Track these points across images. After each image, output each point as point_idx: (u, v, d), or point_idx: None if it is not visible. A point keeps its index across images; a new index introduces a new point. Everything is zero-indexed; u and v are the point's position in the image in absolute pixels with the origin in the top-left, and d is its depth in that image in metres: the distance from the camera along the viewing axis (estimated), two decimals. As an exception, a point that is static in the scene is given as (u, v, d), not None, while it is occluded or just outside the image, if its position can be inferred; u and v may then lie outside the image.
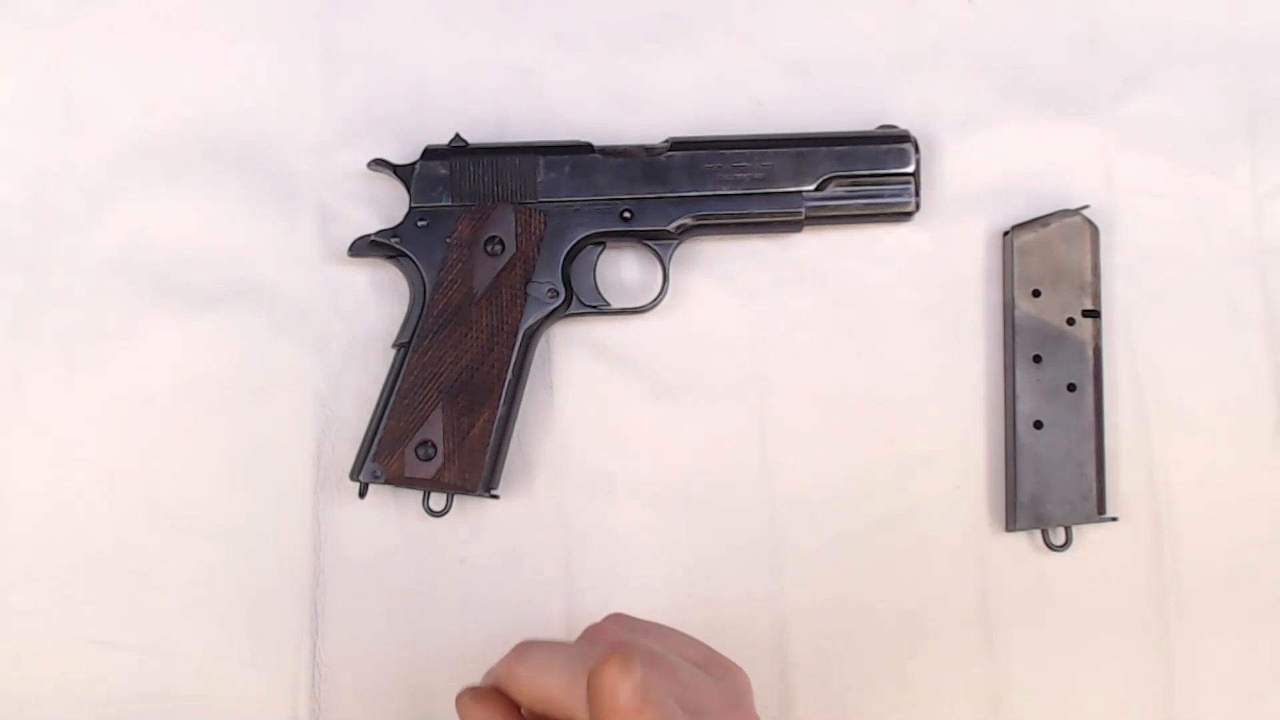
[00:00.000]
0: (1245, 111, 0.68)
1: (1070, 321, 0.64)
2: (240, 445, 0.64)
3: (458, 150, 0.63)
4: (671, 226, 0.63)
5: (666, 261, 0.64)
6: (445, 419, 0.61)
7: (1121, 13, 0.68)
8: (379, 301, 0.65)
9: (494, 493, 0.62)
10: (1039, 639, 0.63)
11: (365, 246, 0.63)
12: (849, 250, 0.66)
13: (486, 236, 0.62)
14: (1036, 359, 0.64)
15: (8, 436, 0.63)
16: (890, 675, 0.63)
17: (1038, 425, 0.63)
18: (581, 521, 0.64)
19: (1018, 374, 0.64)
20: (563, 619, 0.63)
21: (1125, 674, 0.63)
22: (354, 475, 0.61)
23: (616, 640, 0.48)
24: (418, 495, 0.62)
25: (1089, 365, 0.63)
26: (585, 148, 0.64)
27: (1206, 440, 0.65)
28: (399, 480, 0.61)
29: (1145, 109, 0.67)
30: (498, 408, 0.61)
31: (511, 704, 0.45)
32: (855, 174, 0.64)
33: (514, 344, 0.61)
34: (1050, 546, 0.63)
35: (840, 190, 0.64)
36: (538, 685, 0.44)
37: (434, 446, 0.61)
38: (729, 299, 0.66)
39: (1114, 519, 0.63)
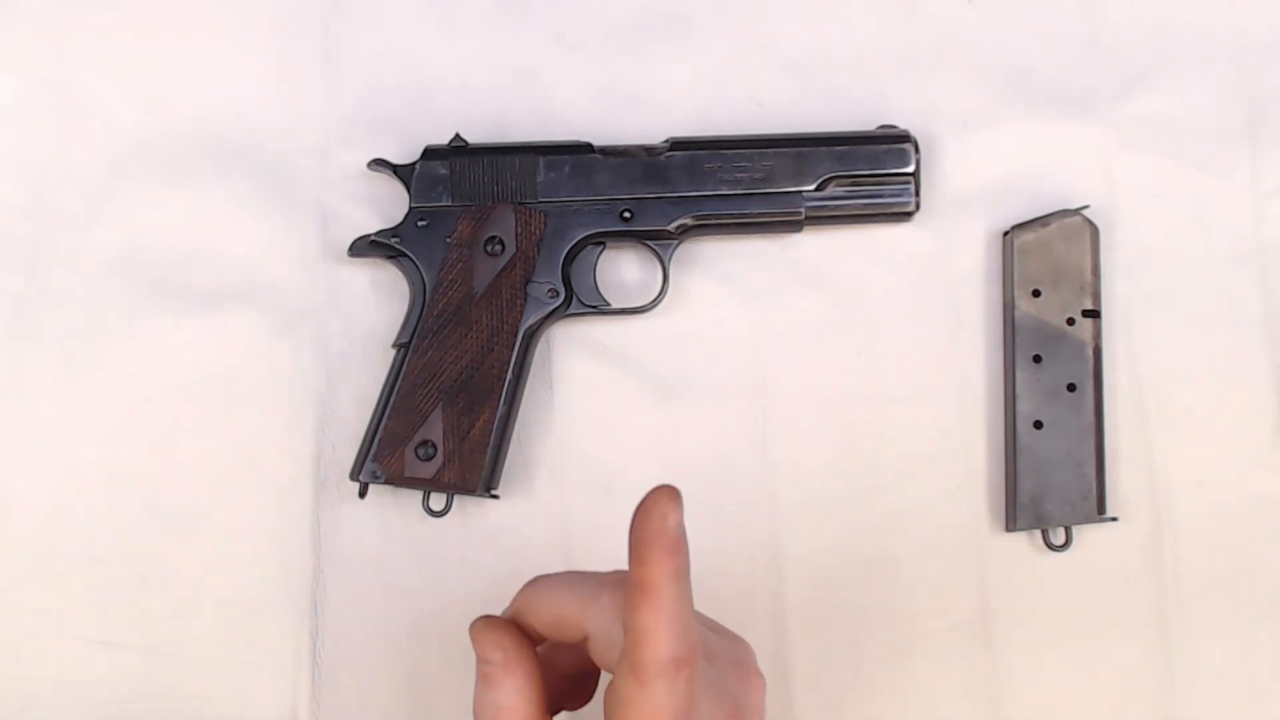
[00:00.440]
0: (1245, 111, 0.68)
1: (1070, 321, 0.64)
2: (240, 445, 0.64)
3: (458, 150, 0.63)
4: (671, 226, 0.63)
5: (666, 261, 0.64)
6: (445, 419, 0.61)
7: (1121, 13, 0.68)
8: (379, 301, 0.65)
9: (494, 493, 0.62)
10: (1039, 639, 0.63)
11: (365, 246, 0.63)
12: (849, 250, 0.66)
13: (486, 236, 0.62)
14: (1036, 359, 0.64)
15: (8, 436, 0.63)
16: (890, 675, 0.63)
17: (1038, 425, 0.63)
18: (581, 521, 0.64)
19: (1018, 374, 0.64)
20: (563, 619, 0.63)
21: (1125, 674, 0.63)
22: (354, 475, 0.61)
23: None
24: (418, 495, 0.62)
25: (1089, 365, 0.64)
26: (585, 148, 0.64)
27: (1206, 440, 0.65)
28: (399, 480, 0.61)
29: (1145, 109, 0.67)
30: (498, 408, 0.61)
31: (523, 633, 0.46)
32: (855, 174, 0.64)
33: (514, 344, 0.61)
34: (1050, 546, 0.64)
35: (840, 190, 0.64)
36: (554, 603, 0.45)
37: (434, 446, 0.61)
38: (729, 299, 0.66)
39: (1114, 519, 0.63)
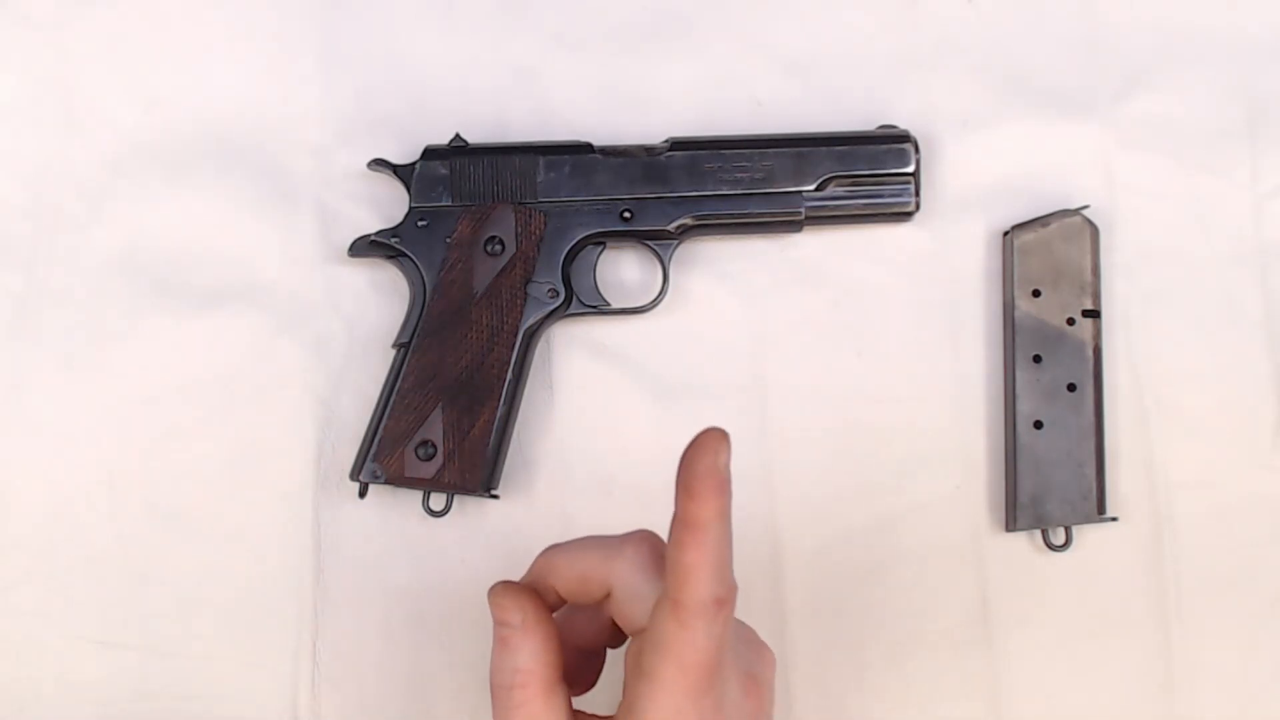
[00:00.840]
0: (1245, 111, 0.68)
1: (1070, 321, 0.64)
2: (240, 445, 0.64)
3: (458, 150, 0.63)
4: (671, 226, 0.63)
5: (666, 261, 0.64)
6: (445, 419, 0.61)
7: (1121, 13, 0.68)
8: (379, 301, 0.65)
9: (494, 493, 0.62)
10: (1039, 639, 0.63)
11: (365, 246, 0.63)
12: (849, 250, 0.66)
13: (486, 236, 0.62)
14: (1036, 359, 0.64)
15: (8, 436, 0.63)
16: (890, 675, 0.63)
17: (1038, 425, 0.63)
18: (581, 521, 0.64)
19: (1018, 374, 0.64)
20: (563, 619, 0.63)
21: (1125, 674, 0.63)
22: (354, 475, 0.61)
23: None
24: (418, 495, 0.62)
25: (1089, 365, 0.63)
26: (585, 148, 0.64)
27: (1206, 440, 0.65)
28: (399, 480, 0.61)
29: (1145, 109, 0.67)
30: (498, 408, 0.61)
31: (541, 599, 0.47)
32: (855, 174, 0.64)
33: (514, 344, 0.61)
34: (1050, 546, 0.64)
35: (840, 190, 0.64)
36: (575, 560, 0.46)
37: (434, 446, 0.61)
38: (729, 299, 0.66)
39: (1114, 519, 0.63)
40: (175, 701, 0.62)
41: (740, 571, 0.63)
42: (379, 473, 0.61)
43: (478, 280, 0.62)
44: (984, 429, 0.65)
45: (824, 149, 0.64)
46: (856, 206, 0.64)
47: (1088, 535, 0.64)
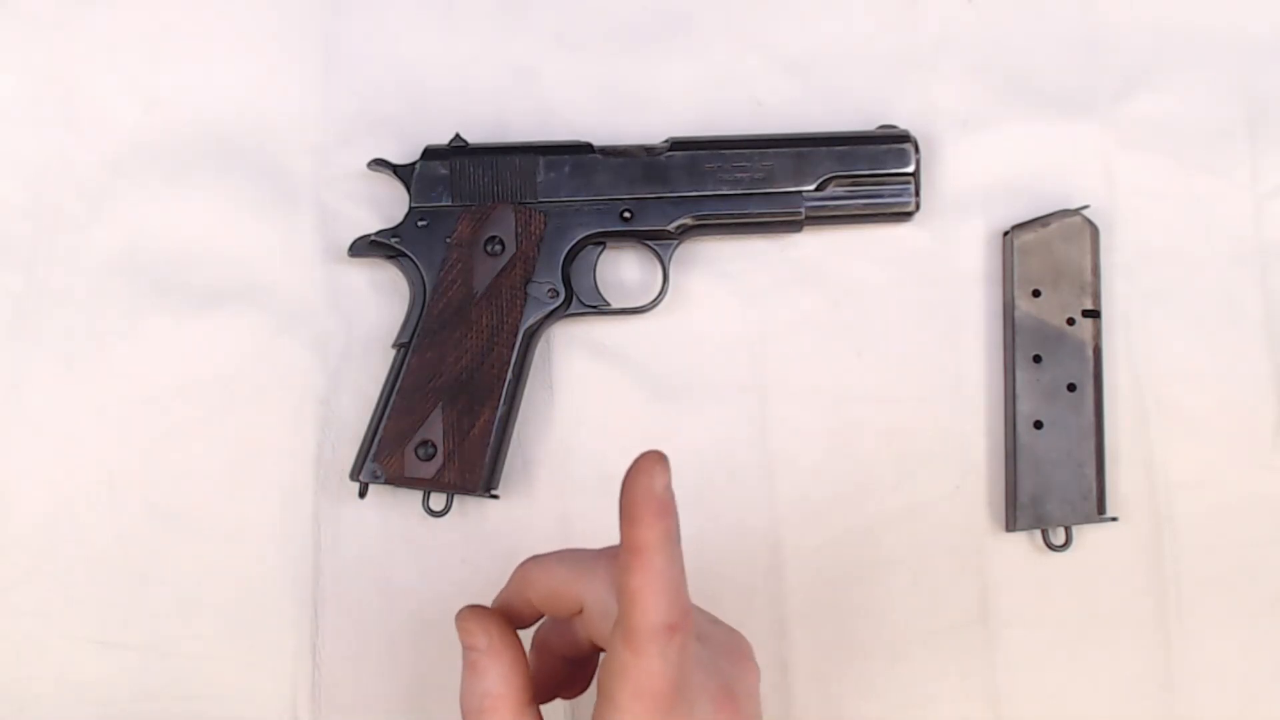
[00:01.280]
0: (1245, 111, 0.68)
1: (1070, 321, 0.64)
2: (240, 445, 0.64)
3: (458, 150, 0.63)
4: (671, 226, 0.63)
5: (666, 261, 0.64)
6: (445, 419, 0.61)
7: (1121, 13, 0.68)
8: (379, 301, 0.65)
9: (494, 493, 0.62)
10: (1039, 639, 0.63)
11: (365, 246, 0.63)
12: (849, 250, 0.66)
13: (486, 236, 0.62)
14: (1036, 359, 0.64)
15: (8, 436, 0.63)
16: (890, 675, 0.63)
17: (1038, 425, 0.63)
18: (581, 521, 0.64)
19: (1018, 374, 0.64)
20: (563, 619, 0.63)
21: (1125, 674, 0.63)
22: (354, 475, 0.61)
23: None
24: (418, 495, 0.62)
25: (1089, 365, 0.64)
26: (585, 148, 0.64)
27: (1206, 440, 0.65)
28: (399, 480, 0.61)
29: (1145, 109, 0.67)
30: (498, 408, 0.61)
31: (508, 622, 0.47)
32: (855, 174, 0.64)
33: (514, 344, 0.61)
34: (1050, 546, 0.64)
35: (840, 190, 0.64)
36: (549, 574, 0.46)
37: (434, 446, 0.61)
38: (729, 299, 0.66)
39: (1114, 519, 0.63)
40: (175, 701, 0.62)
41: (740, 571, 0.64)
42: (379, 473, 0.61)
43: (478, 280, 0.62)
44: (984, 429, 0.65)
45: (824, 149, 0.64)
46: (856, 206, 0.64)
47: (1088, 535, 0.64)
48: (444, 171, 0.63)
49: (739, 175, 0.63)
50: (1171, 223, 0.67)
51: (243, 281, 0.65)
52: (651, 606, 0.41)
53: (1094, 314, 0.64)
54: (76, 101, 0.66)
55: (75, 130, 0.66)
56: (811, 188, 0.64)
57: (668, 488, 0.42)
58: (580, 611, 0.46)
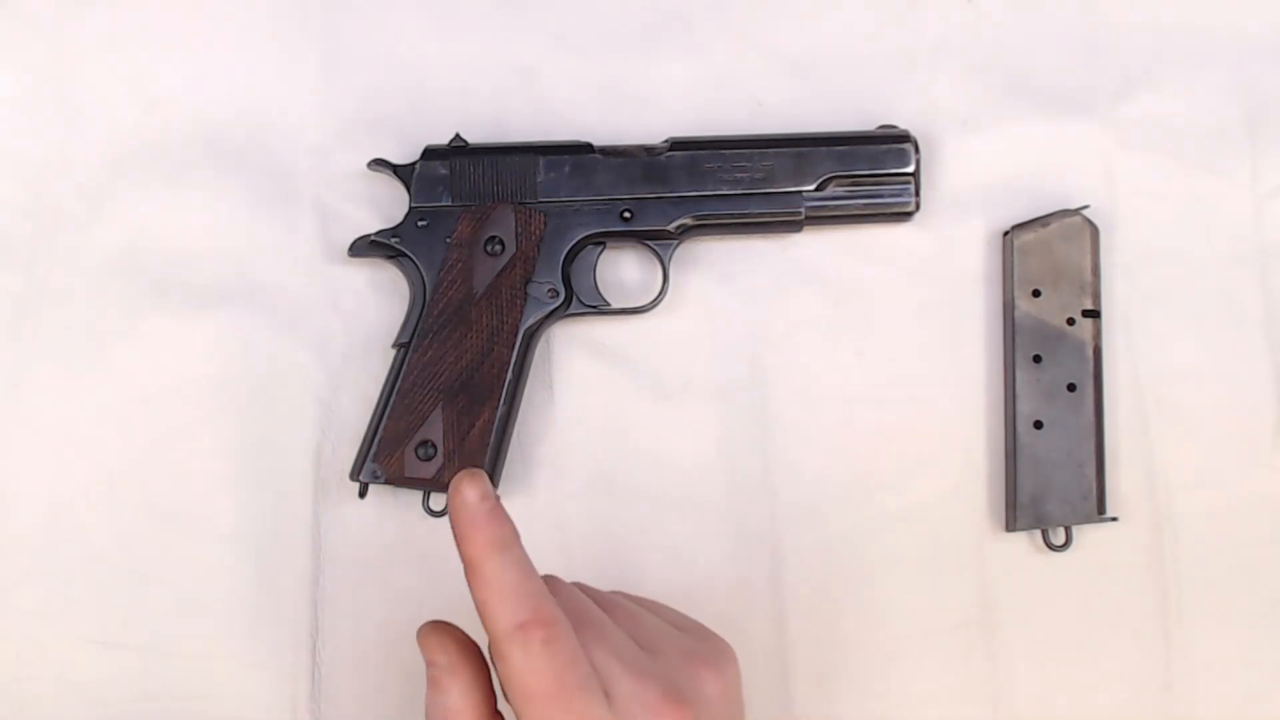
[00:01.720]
0: (1245, 111, 0.68)
1: (1070, 321, 0.64)
2: (240, 445, 0.64)
3: (458, 150, 0.63)
4: (671, 226, 0.63)
5: (666, 261, 0.64)
6: (445, 419, 0.61)
7: (1121, 13, 0.68)
8: (379, 301, 0.65)
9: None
10: (1039, 639, 0.63)
11: (365, 246, 0.63)
12: (849, 250, 0.66)
13: (486, 236, 0.62)
14: (1036, 359, 0.64)
15: (8, 436, 0.63)
16: (890, 675, 0.63)
17: (1038, 425, 0.63)
18: (581, 521, 0.64)
19: (1018, 374, 0.64)
20: (563, 619, 0.63)
21: (1125, 674, 0.63)
22: (354, 475, 0.61)
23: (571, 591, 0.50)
24: (418, 495, 0.62)
25: (1089, 365, 0.63)
26: (585, 148, 0.64)
27: (1206, 440, 0.65)
28: (399, 480, 0.61)
29: (1145, 109, 0.67)
30: (498, 408, 0.61)
31: (467, 637, 0.48)
32: (855, 174, 0.64)
33: (514, 344, 0.61)
34: (1050, 546, 0.63)
35: (840, 190, 0.64)
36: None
37: (434, 446, 0.61)
38: (729, 299, 0.66)
39: (1114, 519, 0.63)
40: (175, 701, 0.62)
41: (740, 571, 0.64)
42: (379, 473, 0.61)
43: (478, 280, 0.62)
44: (984, 429, 0.65)
45: (824, 149, 0.64)
46: (856, 206, 0.64)
47: (1088, 535, 0.64)
48: (444, 171, 0.63)
49: (739, 175, 0.63)
50: (1171, 223, 0.67)
51: (243, 281, 0.65)
52: (495, 613, 0.43)
53: (1094, 314, 0.64)
54: (76, 101, 0.66)
55: (75, 130, 0.66)
56: (811, 188, 0.64)
57: (482, 499, 0.45)
58: None
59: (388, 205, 0.65)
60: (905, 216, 0.65)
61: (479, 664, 0.47)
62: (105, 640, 0.62)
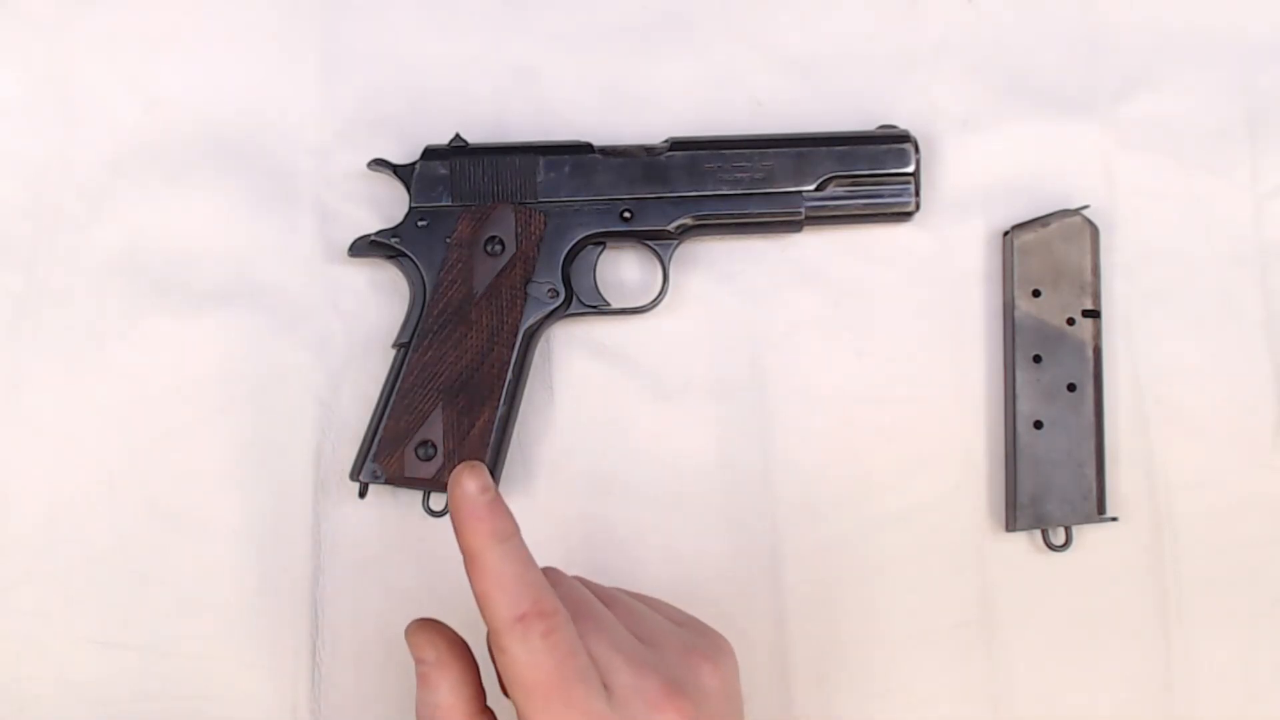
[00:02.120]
0: (1245, 111, 0.68)
1: (1070, 321, 0.64)
2: (240, 445, 0.64)
3: (458, 150, 0.63)
4: (671, 226, 0.63)
5: (666, 261, 0.64)
6: (445, 419, 0.61)
7: (1121, 13, 0.68)
8: (379, 301, 0.65)
9: (494, 493, 0.62)
10: (1039, 639, 0.63)
11: (365, 246, 0.63)
12: (849, 250, 0.66)
13: (486, 236, 0.62)
14: (1036, 359, 0.64)
15: (8, 436, 0.63)
16: (890, 675, 0.63)
17: (1038, 425, 0.63)
18: (581, 521, 0.64)
19: (1018, 374, 0.64)
20: (563, 619, 0.63)
21: (1125, 674, 0.63)
22: (354, 475, 0.61)
23: (571, 583, 0.51)
24: (418, 495, 0.62)
25: (1089, 365, 0.64)
26: (585, 148, 0.64)
27: (1206, 440, 0.65)
28: (399, 480, 0.61)
29: (1145, 109, 0.67)
30: (498, 408, 0.61)
31: (454, 634, 0.48)
32: (855, 174, 0.64)
33: (514, 344, 0.61)
34: (1050, 546, 0.63)
35: (840, 190, 0.64)
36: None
37: (434, 446, 0.61)
38: (729, 299, 0.66)
39: (1114, 519, 0.63)
40: (175, 701, 0.62)
41: (740, 571, 0.64)
42: (379, 473, 0.61)
43: (478, 280, 0.62)
44: (984, 429, 0.65)
45: (824, 149, 0.64)
46: (856, 206, 0.64)
47: (1088, 535, 0.64)
48: (444, 171, 0.63)
49: (739, 175, 0.63)
50: (1171, 223, 0.67)
51: (243, 281, 0.65)
52: (496, 603, 0.44)
53: (1094, 314, 0.64)
54: (76, 101, 0.66)
55: (75, 130, 0.66)
56: (811, 188, 0.64)
57: (482, 491, 0.45)
58: None
59: (388, 205, 0.65)
60: (905, 216, 0.65)
61: (467, 660, 0.48)
62: (105, 640, 0.62)
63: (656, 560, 0.64)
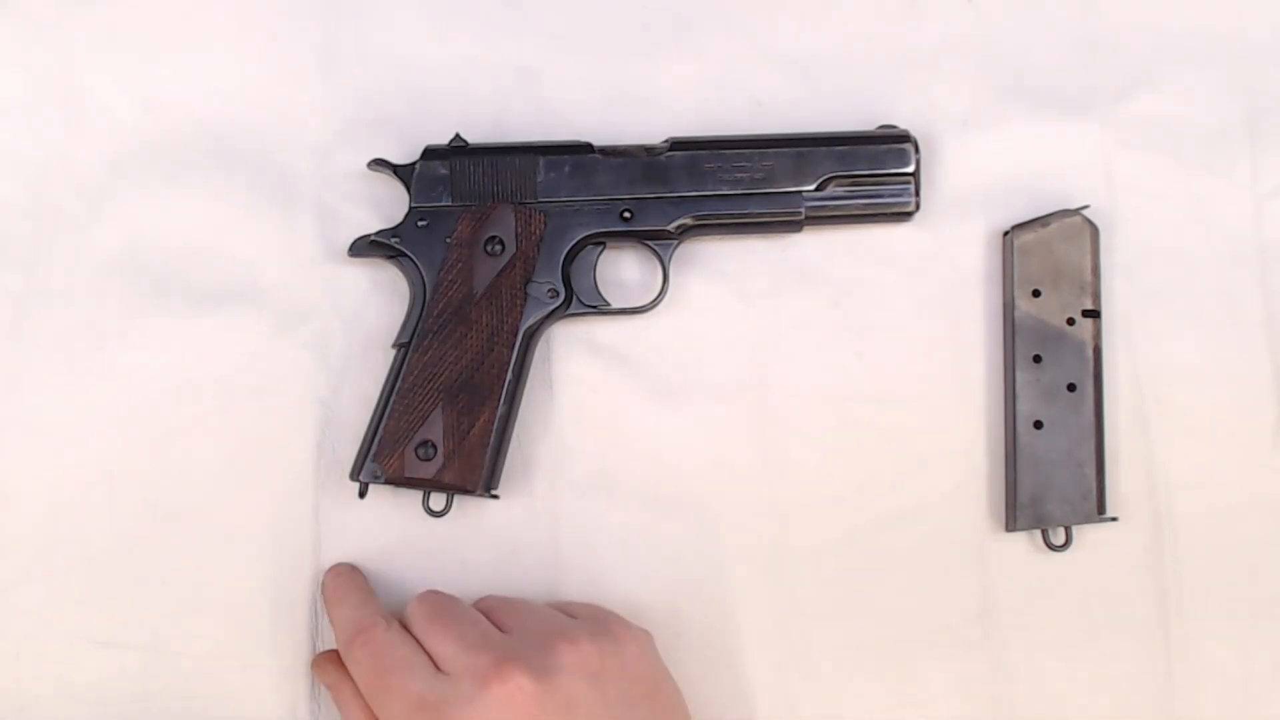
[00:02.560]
0: (1245, 111, 0.68)
1: (1070, 321, 0.64)
2: (240, 445, 0.64)
3: (458, 150, 0.63)
4: (671, 226, 0.63)
5: (666, 261, 0.64)
6: (445, 419, 0.61)
7: (1121, 13, 0.68)
8: (379, 301, 0.65)
9: (494, 493, 0.62)
10: (1039, 639, 0.63)
11: (365, 246, 0.63)
12: (849, 250, 0.66)
13: (486, 236, 0.62)
14: (1036, 359, 0.64)
15: (8, 436, 0.63)
16: (890, 675, 0.63)
17: (1038, 425, 0.63)
18: (581, 522, 0.64)
19: (1018, 374, 0.64)
20: (563, 619, 0.63)
21: (1125, 674, 0.63)
22: (354, 475, 0.61)
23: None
24: (418, 495, 0.62)
25: (1089, 365, 0.64)
26: (585, 148, 0.64)
27: (1206, 440, 0.65)
28: (399, 480, 0.61)
29: (1145, 109, 0.67)
30: (498, 408, 0.61)
31: (339, 660, 0.57)
32: (855, 174, 0.64)
33: (514, 344, 0.61)
34: (1050, 546, 0.64)
35: (840, 190, 0.64)
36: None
37: (434, 446, 0.61)
38: (729, 299, 0.66)
39: (1114, 519, 0.63)
40: (175, 701, 0.62)
41: (740, 571, 0.64)
42: (379, 473, 0.61)
43: (478, 280, 0.62)
44: (984, 429, 0.65)
45: (824, 149, 0.64)
46: (856, 206, 0.64)
47: (1088, 535, 0.64)
48: (444, 171, 0.63)
49: (739, 175, 0.63)
50: (1171, 223, 0.67)
51: (243, 281, 0.65)
52: (337, 639, 0.58)
53: (1094, 314, 0.64)
54: (76, 101, 0.66)
55: (75, 130, 0.66)
56: (811, 188, 0.64)
57: (336, 575, 0.62)
58: None
59: (388, 205, 0.65)
60: (905, 216, 0.65)
61: (349, 685, 0.57)
62: (105, 640, 0.62)
63: (656, 560, 0.64)
